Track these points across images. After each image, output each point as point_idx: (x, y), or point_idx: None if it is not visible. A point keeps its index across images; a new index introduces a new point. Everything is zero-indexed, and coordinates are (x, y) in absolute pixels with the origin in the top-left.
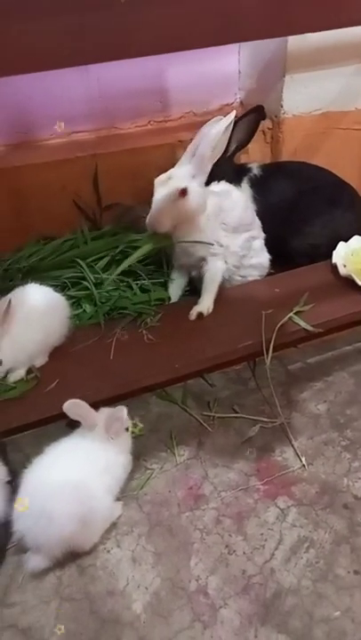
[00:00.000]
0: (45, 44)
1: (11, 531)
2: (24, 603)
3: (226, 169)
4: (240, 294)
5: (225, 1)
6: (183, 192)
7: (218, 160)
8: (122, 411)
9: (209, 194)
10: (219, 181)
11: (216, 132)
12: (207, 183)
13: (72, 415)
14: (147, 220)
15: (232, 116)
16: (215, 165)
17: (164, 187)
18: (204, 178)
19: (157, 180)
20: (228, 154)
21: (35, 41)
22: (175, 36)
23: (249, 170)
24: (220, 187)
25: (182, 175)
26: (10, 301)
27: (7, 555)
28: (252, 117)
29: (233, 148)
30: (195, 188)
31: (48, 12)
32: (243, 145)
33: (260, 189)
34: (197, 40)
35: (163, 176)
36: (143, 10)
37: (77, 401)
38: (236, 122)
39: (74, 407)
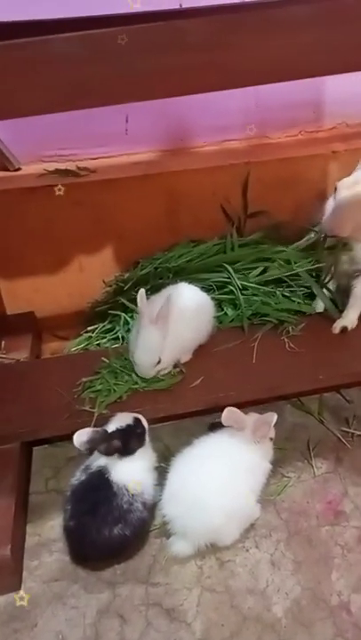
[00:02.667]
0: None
1: (155, 514)
2: (167, 585)
3: None
4: None
5: None
6: None
7: None
8: (272, 416)
9: None
10: None
11: None
12: None
13: (227, 422)
14: (324, 223)
15: None
16: None
17: (349, 190)
18: None
19: (341, 184)
20: None
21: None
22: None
23: None
24: None
25: None
26: (171, 304)
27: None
28: None
29: None
30: None
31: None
32: None
33: None
34: None
35: (347, 180)
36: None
37: (232, 408)
38: None
39: (230, 414)
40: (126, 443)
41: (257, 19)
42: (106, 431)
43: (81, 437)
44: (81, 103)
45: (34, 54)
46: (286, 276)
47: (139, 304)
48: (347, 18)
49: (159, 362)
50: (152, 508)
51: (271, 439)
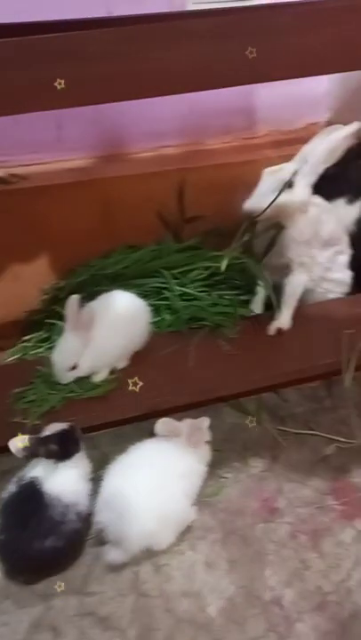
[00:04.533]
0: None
1: (91, 523)
2: (102, 593)
3: (353, 178)
4: (320, 312)
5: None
6: (290, 184)
7: (348, 164)
8: (204, 421)
9: (312, 201)
10: (341, 187)
11: (335, 137)
12: (333, 184)
13: (161, 432)
14: (246, 203)
15: (355, 125)
16: (344, 170)
17: (272, 175)
18: (312, 180)
19: (267, 170)
20: None
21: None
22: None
23: None
24: (318, 200)
25: (293, 170)
26: (93, 311)
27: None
28: None
29: None
30: (303, 185)
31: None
32: None
33: None
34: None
35: (273, 167)
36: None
37: (165, 419)
38: None
39: (162, 425)
40: (63, 446)
41: (158, 30)
42: (42, 436)
43: (17, 444)
44: None
45: None
46: (222, 280)
47: (66, 309)
48: (243, 30)
49: (75, 367)
50: (87, 518)
51: (207, 442)
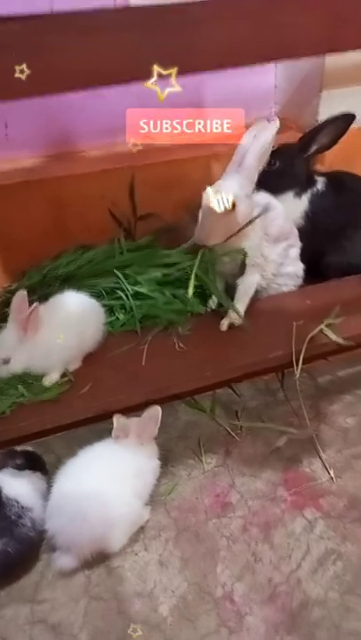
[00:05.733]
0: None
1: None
2: (54, 600)
3: (299, 172)
4: (271, 305)
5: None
6: (233, 205)
7: (294, 158)
8: (156, 410)
9: (255, 204)
10: (288, 182)
11: (263, 142)
12: (279, 179)
13: (117, 433)
14: (195, 234)
15: (277, 123)
16: (289, 164)
17: (213, 196)
18: (252, 188)
19: (205, 193)
20: (307, 154)
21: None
22: (231, 53)
23: (315, 183)
24: (262, 197)
25: (230, 187)
26: (35, 308)
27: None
28: (341, 124)
29: (314, 149)
30: (243, 200)
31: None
32: (323, 149)
33: (317, 207)
34: (249, 57)
35: (210, 188)
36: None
37: (118, 415)
38: (324, 125)
39: (118, 423)
40: (33, 461)
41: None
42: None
43: None
44: None
45: None
46: (175, 278)
47: (12, 303)
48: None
49: (7, 361)
50: (41, 530)
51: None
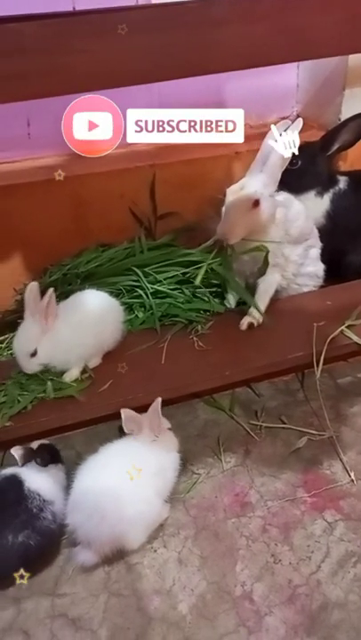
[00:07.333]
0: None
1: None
2: (74, 594)
3: (321, 171)
4: (291, 305)
5: (300, 21)
6: (256, 203)
7: (316, 157)
8: (155, 401)
9: (278, 204)
10: (309, 181)
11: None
12: (300, 178)
13: (128, 426)
14: (218, 230)
15: (300, 121)
16: (311, 163)
17: (234, 196)
18: (275, 187)
19: (229, 190)
20: (329, 152)
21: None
22: (252, 53)
23: (337, 182)
24: (283, 196)
25: (254, 185)
26: (49, 295)
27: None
28: None
29: (335, 147)
30: (267, 198)
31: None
32: (346, 147)
33: (338, 206)
34: (270, 57)
35: (235, 186)
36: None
37: (127, 411)
38: (346, 124)
39: (126, 417)
40: (53, 454)
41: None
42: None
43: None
44: None
45: None
46: (195, 277)
47: (26, 296)
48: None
49: (35, 354)
50: (62, 523)
51: (169, 429)
